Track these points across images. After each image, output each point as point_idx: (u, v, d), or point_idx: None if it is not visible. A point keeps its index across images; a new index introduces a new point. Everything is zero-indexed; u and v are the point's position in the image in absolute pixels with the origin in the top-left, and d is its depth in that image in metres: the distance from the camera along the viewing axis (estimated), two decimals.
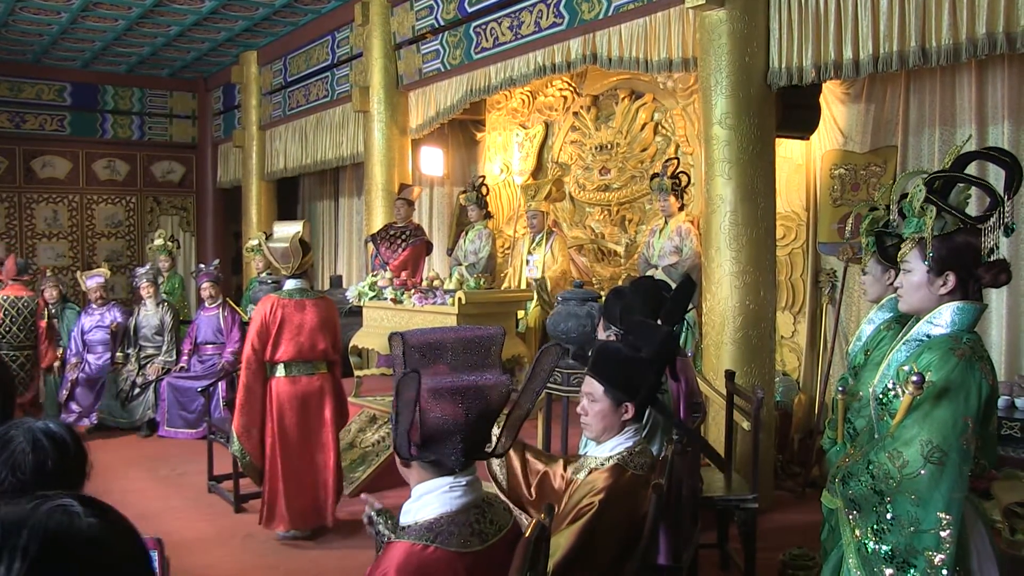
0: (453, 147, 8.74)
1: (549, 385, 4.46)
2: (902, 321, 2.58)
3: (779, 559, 3.83)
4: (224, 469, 5.35)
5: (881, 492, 2.04)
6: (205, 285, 7.38)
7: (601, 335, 3.28)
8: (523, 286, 6.81)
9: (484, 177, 7.69)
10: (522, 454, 2.59)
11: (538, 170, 7.85)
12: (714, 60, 4.70)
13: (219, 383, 6.66)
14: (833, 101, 5.60)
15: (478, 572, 1.72)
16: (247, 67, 10.32)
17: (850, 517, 2.12)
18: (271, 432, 4.50)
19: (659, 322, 3.24)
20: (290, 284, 4.62)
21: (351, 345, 6.03)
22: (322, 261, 10.63)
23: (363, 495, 2.30)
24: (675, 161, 5.98)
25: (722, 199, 4.71)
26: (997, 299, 4.81)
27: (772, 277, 4.90)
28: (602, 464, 2.37)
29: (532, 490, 2.55)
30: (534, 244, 6.95)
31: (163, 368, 7.37)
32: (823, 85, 5.26)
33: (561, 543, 2.17)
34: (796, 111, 5.20)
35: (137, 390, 7.33)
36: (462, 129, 8.68)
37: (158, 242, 9.07)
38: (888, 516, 2.04)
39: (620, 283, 6.82)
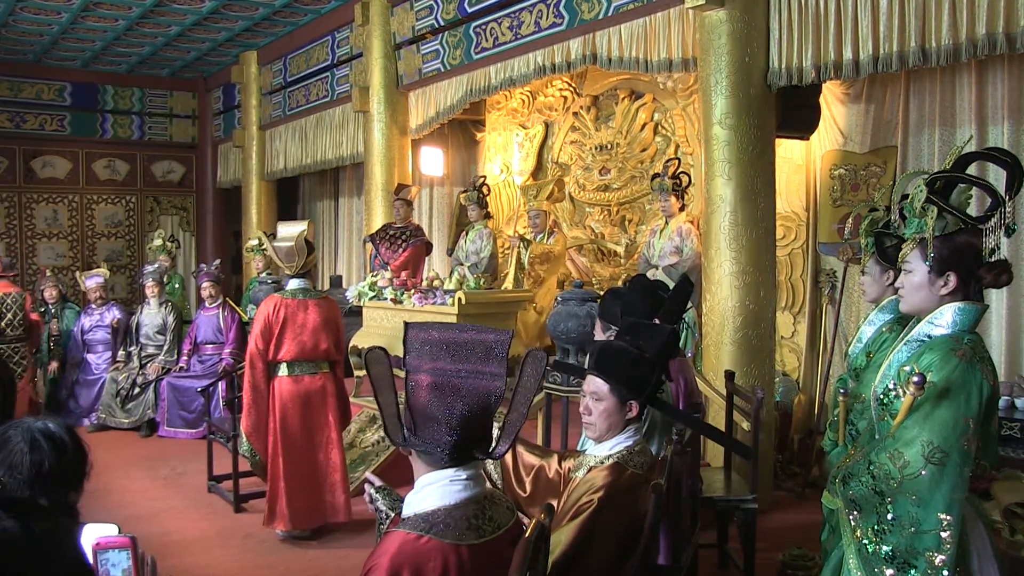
0: (453, 147, 8.74)
1: (549, 385, 4.47)
2: (903, 322, 2.58)
3: (778, 559, 3.83)
4: (224, 469, 5.35)
5: (882, 493, 2.04)
6: (205, 285, 7.38)
7: (600, 336, 3.28)
8: (524, 286, 6.80)
9: (485, 177, 7.69)
10: (513, 452, 2.59)
11: (538, 170, 7.85)
12: (714, 60, 4.70)
13: (219, 383, 6.66)
14: (833, 101, 5.60)
15: (473, 566, 1.72)
16: (247, 67, 10.32)
17: (851, 518, 2.12)
18: (273, 431, 4.51)
19: (657, 321, 3.25)
20: (293, 284, 4.62)
21: (351, 345, 6.02)
22: (322, 261, 10.63)
23: (367, 473, 2.32)
24: (676, 161, 5.97)
25: (722, 199, 4.71)
26: (997, 300, 4.80)
27: (772, 277, 4.90)
28: (602, 462, 2.37)
29: (527, 485, 2.55)
30: (537, 242, 6.95)
31: (163, 368, 7.37)
32: (823, 85, 5.26)
33: (560, 540, 2.18)
34: (796, 111, 5.20)
35: (137, 390, 7.33)
36: (462, 129, 8.68)
37: (157, 242, 9.08)
38: (889, 517, 2.04)
39: (620, 283, 6.83)
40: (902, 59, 4.20)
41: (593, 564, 2.22)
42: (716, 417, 4.66)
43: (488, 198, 7.35)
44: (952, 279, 2.08)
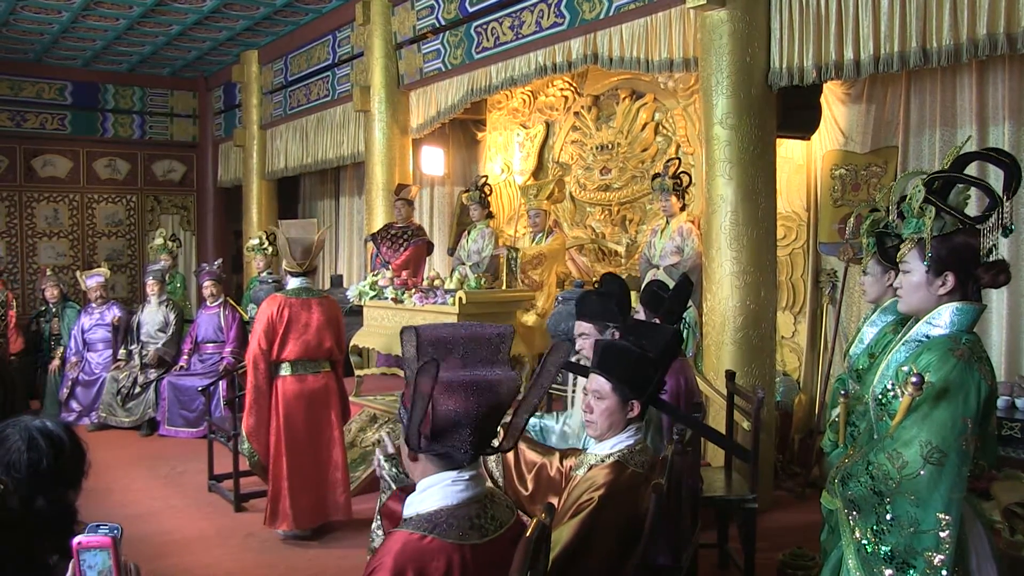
0: (454, 147, 8.74)
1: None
2: (906, 323, 2.58)
3: (778, 559, 3.83)
4: (224, 468, 5.35)
5: (880, 493, 2.04)
6: (207, 283, 7.39)
7: (588, 334, 3.25)
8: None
9: (487, 177, 7.69)
10: (516, 447, 2.59)
11: (539, 170, 7.85)
12: (715, 60, 4.70)
13: (219, 382, 6.66)
14: (834, 101, 5.59)
15: (476, 566, 1.73)
16: (248, 66, 10.32)
17: (850, 518, 2.12)
18: (275, 431, 4.50)
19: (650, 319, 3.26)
20: (294, 283, 4.62)
21: (352, 344, 6.03)
22: (323, 260, 10.62)
23: (383, 433, 2.33)
24: (676, 161, 5.97)
25: (723, 199, 4.71)
26: (997, 300, 4.80)
27: (773, 277, 4.90)
28: (603, 461, 2.37)
29: (528, 483, 2.56)
30: (535, 243, 6.95)
31: (159, 357, 7.36)
32: (824, 85, 5.26)
33: (560, 538, 2.18)
34: (797, 111, 5.19)
35: (138, 389, 7.33)
36: (463, 129, 8.68)
37: (159, 241, 9.09)
38: (888, 517, 2.04)
39: None
40: (903, 59, 4.20)
41: (593, 562, 2.22)
42: (717, 417, 4.66)
43: (489, 198, 7.35)
44: (950, 279, 2.08)
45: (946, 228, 2.07)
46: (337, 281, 9.17)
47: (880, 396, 2.18)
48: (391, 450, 2.15)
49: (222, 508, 5.19)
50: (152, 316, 7.60)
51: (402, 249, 6.90)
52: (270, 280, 7.94)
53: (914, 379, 1.95)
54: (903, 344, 2.18)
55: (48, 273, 9.22)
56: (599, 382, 2.41)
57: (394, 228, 7.09)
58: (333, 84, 8.86)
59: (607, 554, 2.25)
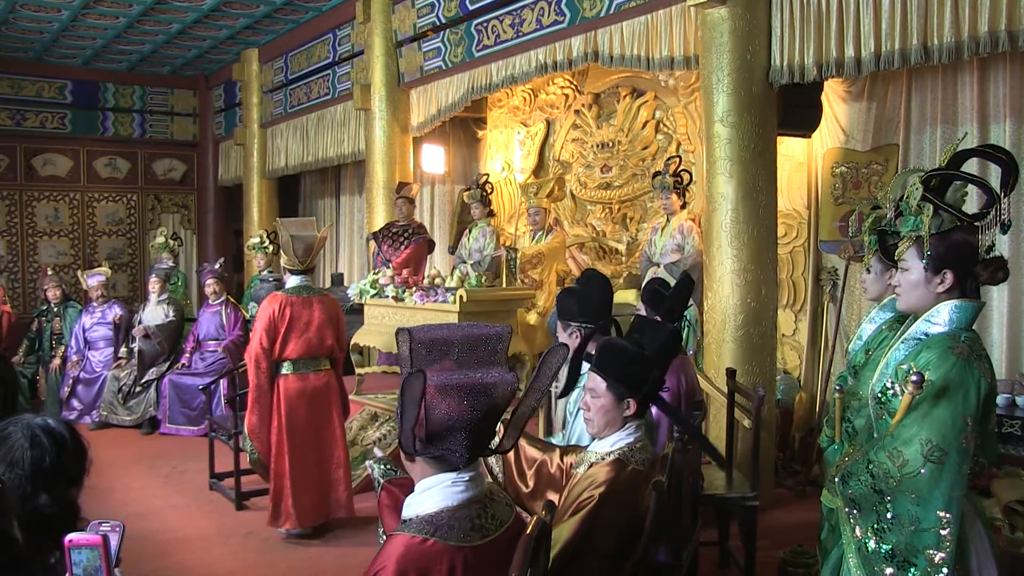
0: (454, 145, 8.73)
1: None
2: (903, 320, 2.57)
3: (779, 557, 3.83)
4: (225, 467, 5.35)
5: (881, 491, 2.04)
6: (209, 282, 7.40)
7: (563, 337, 3.23)
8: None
9: (488, 175, 7.69)
10: (516, 444, 2.59)
11: (539, 168, 7.85)
12: (716, 58, 4.70)
13: (220, 380, 6.66)
14: (835, 99, 5.59)
15: (478, 566, 1.73)
16: (248, 65, 10.32)
17: (850, 516, 2.12)
18: (277, 430, 4.50)
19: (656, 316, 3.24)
20: (294, 281, 4.61)
21: (352, 343, 6.03)
22: (323, 259, 10.63)
23: (375, 449, 2.35)
24: (677, 159, 5.97)
25: (723, 197, 4.71)
26: (998, 298, 4.80)
27: (773, 275, 4.90)
28: (603, 458, 2.37)
29: (528, 480, 2.56)
30: (534, 241, 6.95)
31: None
32: (825, 83, 5.25)
33: (561, 536, 2.18)
34: (798, 109, 5.19)
35: (139, 387, 7.34)
36: (463, 127, 8.68)
37: (160, 240, 9.10)
38: (888, 515, 2.04)
39: (621, 281, 6.83)
40: (904, 57, 4.20)
41: (593, 560, 2.22)
42: (718, 415, 4.67)
43: (490, 196, 7.35)
44: (949, 277, 2.08)
45: (944, 226, 2.07)
46: (338, 279, 9.17)
47: (880, 394, 2.18)
48: (380, 454, 2.17)
49: (223, 507, 5.19)
50: (152, 313, 7.61)
51: (403, 247, 6.90)
52: (271, 279, 7.95)
53: (914, 377, 1.95)
54: (902, 342, 2.18)
55: (49, 273, 9.22)
56: (595, 380, 2.42)
57: (395, 226, 7.09)
58: (333, 82, 8.86)
59: (607, 552, 2.25)
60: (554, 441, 3.21)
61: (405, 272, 6.10)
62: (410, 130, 7.74)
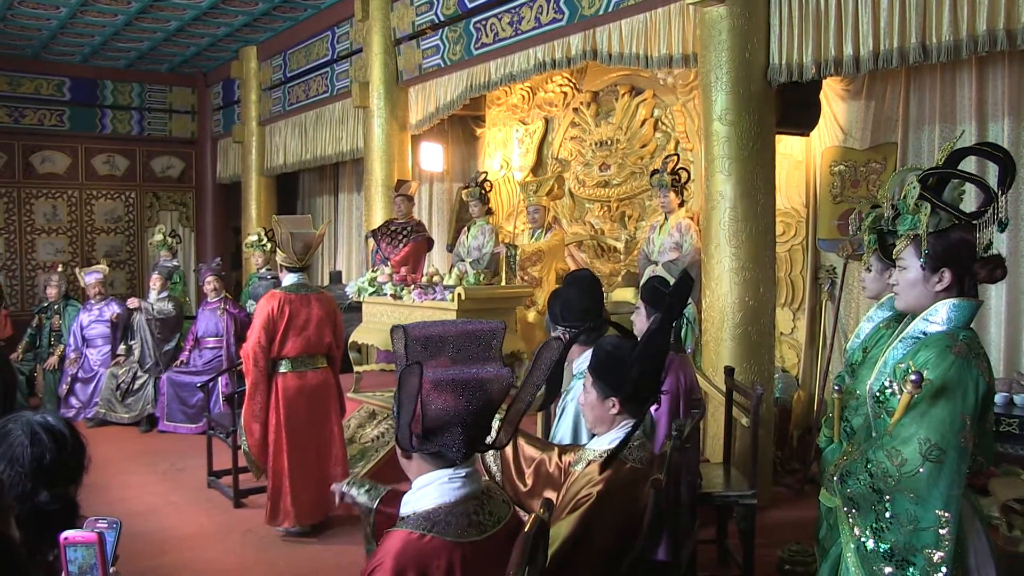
0: (453, 143, 8.73)
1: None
2: (901, 319, 2.57)
3: (778, 555, 3.83)
4: (224, 464, 5.36)
5: (880, 490, 2.04)
6: (209, 279, 7.40)
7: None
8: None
9: (486, 173, 7.68)
10: (513, 444, 2.60)
11: (538, 166, 7.85)
12: (714, 56, 4.70)
13: (219, 378, 6.67)
14: (833, 98, 5.59)
15: (476, 563, 1.73)
16: (247, 62, 10.31)
17: (849, 515, 2.12)
18: (276, 428, 4.50)
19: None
20: (292, 279, 4.61)
21: (350, 341, 6.03)
22: (322, 256, 10.63)
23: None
24: (675, 157, 5.97)
25: (722, 195, 4.71)
26: (996, 296, 4.81)
27: (772, 273, 4.90)
28: (601, 456, 2.37)
29: (527, 478, 2.56)
30: (533, 239, 6.95)
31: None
32: (823, 81, 5.25)
33: (559, 533, 2.18)
34: (796, 107, 5.19)
35: (137, 384, 7.34)
36: (462, 125, 8.67)
37: (158, 237, 9.10)
38: (887, 514, 2.04)
39: (619, 279, 6.83)
40: (903, 55, 4.20)
41: (592, 558, 2.22)
42: (716, 413, 4.67)
43: (489, 194, 7.35)
44: (947, 275, 2.08)
45: (941, 224, 2.06)
46: (336, 277, 9.17)
47: (878, 393, 2.18)
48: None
49: (221, 504, 5.19)
50: (145, 316, 7.61)
51: (401, 245, 6.90)
52: (269, 276, 7.95)
53: (913, 377, 1.95)
54: (900, 341, 2.18)
55: (60, 269, 9.20)
56: (586, 376, 2.45)
57: (394, 224, 7.09)
58: (332, 80, 8.85)
59: (605, 550, 2.25)
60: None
61: (404, 270, 6.10)
62: (409, 128, 7.74)
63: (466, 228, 7.49)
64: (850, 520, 2.12)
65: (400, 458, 1.84)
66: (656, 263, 5.83)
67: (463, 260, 7.17)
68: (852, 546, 2.10)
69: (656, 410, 3.25)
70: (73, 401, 7.58)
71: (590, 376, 2.43)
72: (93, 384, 7.56)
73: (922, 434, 1.98)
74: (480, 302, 5.39)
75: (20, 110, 10.86)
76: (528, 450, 2.60)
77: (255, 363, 4.48)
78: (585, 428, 2.68)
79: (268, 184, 10.55)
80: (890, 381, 2.13)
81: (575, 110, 7.52)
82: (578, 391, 2.67)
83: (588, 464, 2.38)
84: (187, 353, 7.39)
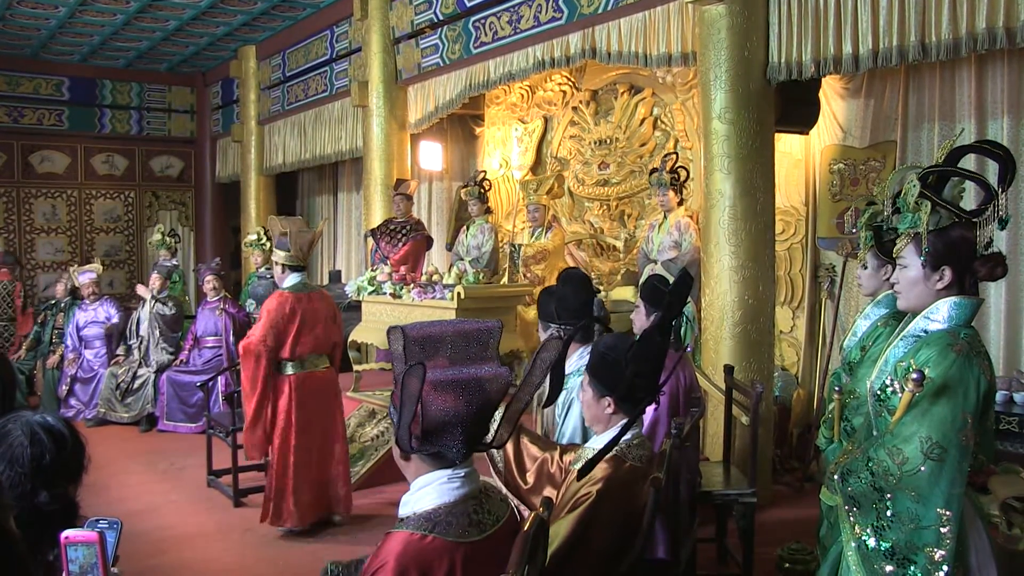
0: (452, 142, 8.73)
1: None
2: (899, 317, 2.57)
3: (777, 553, 3.83)
4: (223, 463, 5.36)
5: (881, 489, 2.04)
6: (208, 278, 7.40)
7: (543, 337, 3.23)
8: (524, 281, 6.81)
9: (485, 172, 7.68)
10: (517, 441, 2.60)
11: (537, 165, 7.84)
12: (713, 55, 4.70)
13: (218, 377, 6.66)
14: (832, 96, 5.59)
15: (476, 562, 1.73)
16: (246, 62, 10.30)
17: (850, 514, 2.12)
18: (283, 429, 4.47)
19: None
20: (294, 279, 4.57)
21: (350, 339, 6.03)
22: (321, 256, 10.63)
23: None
24: (674, 156, 5.97)
25: (721, 194, 4.71)
26: (996, 295, 4.81)
27: (771, 272, 4.90)
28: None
29: (528, 476, 2.57)
30: (533, 238, 6.95)
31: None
32: (822, 80, 5.26)
33: (558, 532, 2.18)
34: (795, 106, 5.19)
35: (137, 383, 7.34)
36: (461, 124, 8.67)
37: (156, 237, 9.10)
38: (888, 513, 2.04)
39: (619, 277, 6.83)
40: (902, 53, 4.20)
41: (591, 557, 2.22)
42: (715, 412, 4.67)
43: (488, 193, 7.35)
44: (947, 273, 2.08)
45: (942, 222, 2.06)
46: (336, 276, 9.17)
47: (879, 392, 2.17)
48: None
49: (221, 503, 5.19)
50: (150, 308, 7.61)
51: (401, 244, 6.90)
52: (268, 276, 7.94)
53: (914, 375, 1.95)
54: (901, 339, 2.17)
55: (71, 269, 9.19)
56: (585, 375, 2.46)
57: (393, 223, 7.09)
58: (331, 79, 8.85)
59: (605, 548, 2.26)
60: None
61: (403, 269, 6.10)
62: (408, 127, 7.73)
63: (465, 227, 7.49)
64: (851, 518, 2.11)
65: (398, 459, 1.84)
66: (655, 262, 5.83)
67: (462, 259, 7.17)
68: (853, 544, 2.09)
69: (656, 409, 3.26)
70: (73, 402, 7.58)
71: (587, 375, 2.43)
72: (93, 384, 7.55)
73: (923, 432, 1.98)
74: (479, 301, 5.39)
75: (19, 110, 10.86)
76: (531, 448, 2.61)
77: (257, 360, 4.43)
78: None
79: (267, 183, 10.55)
80: (891, 380, 2.13)
81: (574, 109, 7.51)
82: (578, 389, 2.68)
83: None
84: (187, 352, 7.39)
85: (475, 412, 1.74)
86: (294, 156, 9.62)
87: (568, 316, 3.08)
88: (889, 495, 2.03)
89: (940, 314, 2.09)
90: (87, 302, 7.86)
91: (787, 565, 3.76)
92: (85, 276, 7.91)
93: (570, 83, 7.53)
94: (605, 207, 7.24)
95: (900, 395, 2.04)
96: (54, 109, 11.09)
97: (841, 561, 2.16)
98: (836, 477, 2.17)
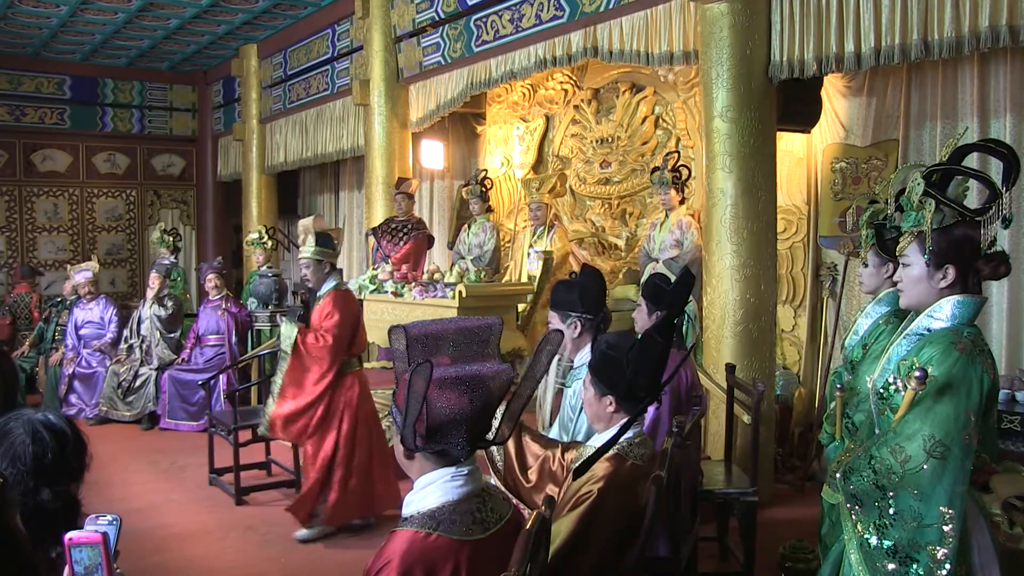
0: (454, 140, 8.73)
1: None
2: (900, 315, 2.57)
3: (779, 552, 3.83)
4: (225, 462, 5.36)
5: (883, 487, 2.04)
6: (210, 276, 7.41)
7: (559, 326, 3.25)
8: (524, 279, 6.81)
9: (486, 170, 7.68)
10: (518, 439, 2.60)
11: (539, 163, 7.84)
12: (715, 53, 4.69)
13: (220, 376, 6.67)
14: (834, 94, 5.58)
15: (480, 560, 1.73)
16: (247, 60, 10.30)
17: (852, 512, 2.12)
18: (350, 429, 4.44)
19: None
20: (338, 278, 4.58)
21: None
22: None
23: None
24: (676, 154, 5.97)
25: (723, 192, 4.70)
26: (998, 293, 4.80)
27: (773, 271, 4.90)
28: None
29: (531, 474, 2.57)
30: (535, 237, 6.96)
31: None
32: (824, 78, 5.25)
33: (560, 530, 2.18)
34: (797, 104, 5.18)
35: (138, 382, 7.35)
36: (463, 122, 8.67)
37: (156, 235, 9.11)
38: (890, 511, 2.03)
39: (620, 276, 6.83)
40: (904, 52, 4.19)
41: (593, 555, 2.22)
42: (717, 410, 4.67)
43: (489, 192, 7.35)
44: (951, 272, 2.08)
45: (946, 221, 2.06)
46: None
47: (882, 390, 2.17)
48: None
49: (223, 502, 5.20)
50: (150, 307, 7.62)
51: (402, 243, 6.90)
52: (270, 274, 7.97)
53: (917, 373, 1.95)
54: (904, 337, 2.17)
55: (69, 267, 9.22)
56: (587, 374, 2.46)
57: (394, 222, 7.09)
58: (332, 78, 8.85)
59: (606, 546, 2.26)
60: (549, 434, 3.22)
61: (404, 268, 6.10)
62: (409, 126, 7.73)
63: (466, 225, 7.49)
64: (853, 517, 2.11)
65: (401, 458, 1.84)
66: (657, 260, 5.83)
67: (463, 257, 7.17)
68: (855, 543, 2.09)
69: (657, 408, 3.26)
70: (73, 399, 7.59)
71: (589, 374, 2.43)
72: (91, 383, 7.56)
73: (926, 431, 1.98)
74: (481, 299, 5.40)
75: (21, 108, 10.86)
76: (533, 446, 2.61)
77: (336, 358, 4.37)
78: None
79: (269, 182, 10.55)
80: (894, 378, 2.13)
81: (576, 107, 7.51)
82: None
83: None
84: (188, 351, 7.39)
85: (479, 409, 1.74)
86: (295, 155, 9.62)
87: (590, 306, 3.18)
88: (891, 493, 2.03)
89: (943, 312, 2.09)
90: (83, 300, 7.88)
91: (788, 563, 3.76)
92: (81, 275, 7.92)
93: (572, 81, 7.53)
94: (607, 206, 7.24)
95: (903, 393, 2.04)
96: (56, 108, 11.09)
97: (843, 559, 2.16)
98: (838, 475, 2.17)
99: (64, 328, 8.05)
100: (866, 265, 3.16)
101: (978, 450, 2.05)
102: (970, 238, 2.05)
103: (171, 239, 9.06)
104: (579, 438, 3.02)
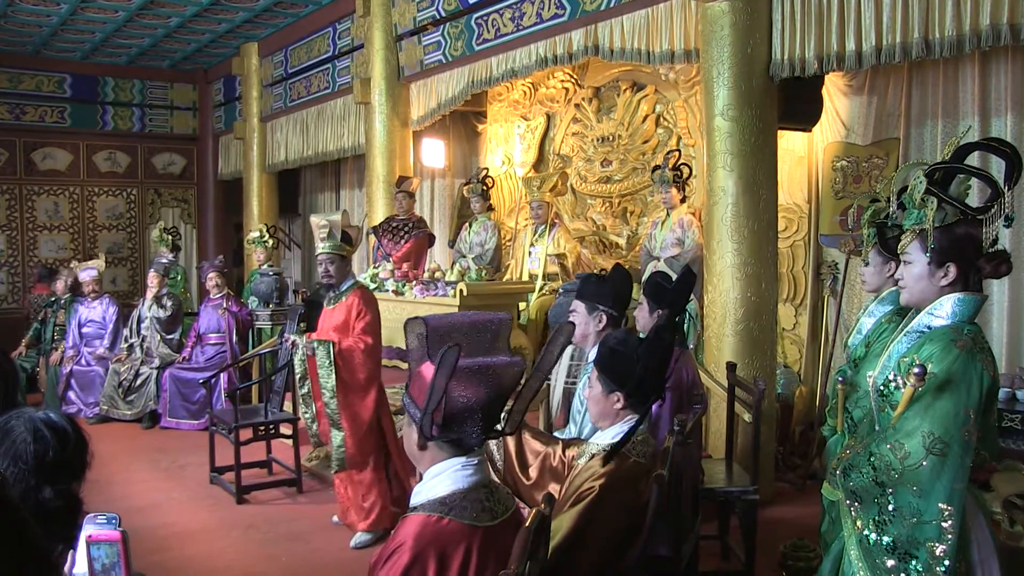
0: (454, 139, 8.73)
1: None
2: (903, 313, 2.57)
3: (779, 550, 3.83)
4: (226, 460, 5.36)
5: (883, 484, 2.04)
6: (211, 275, 7.41)
7: (583, 318, 3.28)
8: (525, 278, 6.81)
9: (487, 169, 7.68)
10: (519, 437, 2.61)
11: (539, 162, 7.84)
12: (716, 51, 4.69)
13: (221, 374, 6.67)
14: (835, 93, 5.58)
15: (490, 547, 1.77)
16: (248, 59, 10.30)
17: (851, 509, 2.12)
18: (390, 426, 4.47)
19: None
20: (354, 275, 4.59)
21: None
22: None
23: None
24: (677, 153, 5.97)
25: (724, 191, 4.70)
26: (999, 291, 4.80)
27: (774, 269, 4.90)
28: (603, 450, 2.37)
29: (531, 471, 2.57)
30: (536, 236, 6.95)
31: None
32: (825, 77, 5.25)
33: (561, 526, 2.19)
34: (798, 103, 5.18)
35: (139, 381, 7.35)
36: (463, 121, 8.67)
37: (155, 233, 9.11)
38: (890, 507, 2.04)
39: None
40: (905, 50, 4.19)
41: (593, 552, 2.22)
42: (718, 409, 4.67)
43: (490, 190, 7.35)
44: (952, 270, 2.08)
45: (947, 219, 2.07)
46: None
47: (882, 387, 2.18)
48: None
49: (224, 500, 5.20)
50: (149, 307, 7.62)
51: (403, 241, 6.90)
52: (271, 273, 7.97)
53: (916, 370, 1.95)
54: (904, 335, 2.18)
55: (71, 266, 9.22)
56: (593, 370, 2.47)
57: (395, 220, 7.09)
58: (333, 76, 8.84)
59: (607, 544, 2.26)
60: (564, 435, 3.24)
61: (405, 266, 6.11)
62: (410, 124, 7.73)
63: (467, 224, 7.49)
64: (853, 513, 2.12)
65: (411, 449, 1.85)
66: (658, 259, 5.83)
67: (464, 256, 7.17)
68: (855, 539, 2.10)
69: (659, 406, 3.26)
70: (72, 397, 7.59)
71: (596, 370, 2.43)
72: (92, 381, 7.56)
73: (926, 427, 1.98)
74: (482, 298, 5.41)
75: (21, 107, 10.86)
76: (534, 443, 2.62)
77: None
78: None
79: (269, 180, 10.55)
80: (894, 375, 2.13)
81: (577, 106, 7.51)
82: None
83: (591, 458, 2.39)
84: (189, 350, 7.40)
85: (493, 399, 1.78)
86: (296, 153, 9.62)
87: (619, 304, 3.29)
88: (891, 490, 2.03)
89: (944, 310, 2.10)
90: (87, 299, 7.88)
91: (789, 562, 3.76)
92: (87, 273, 7.92)
93: (572, 80, 7.53)
94: (608, 204, 7.24)
95: (903, 390, 2.05)
96: (56, 106, 11.09)
97: (843, 556, 2.16)
98: (838, 472, 2.18)
99: (62, 327, 8.06)
100: (868, 264, 3.16)
101: (978, 448, 2.05)
102: (972, 236, 2.05)
103: (170, 237, 9.07)
104: (586, 430, 3.03)
